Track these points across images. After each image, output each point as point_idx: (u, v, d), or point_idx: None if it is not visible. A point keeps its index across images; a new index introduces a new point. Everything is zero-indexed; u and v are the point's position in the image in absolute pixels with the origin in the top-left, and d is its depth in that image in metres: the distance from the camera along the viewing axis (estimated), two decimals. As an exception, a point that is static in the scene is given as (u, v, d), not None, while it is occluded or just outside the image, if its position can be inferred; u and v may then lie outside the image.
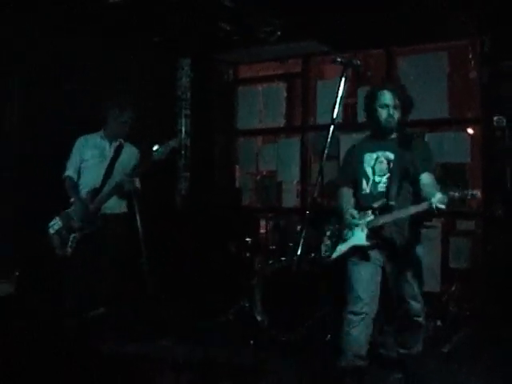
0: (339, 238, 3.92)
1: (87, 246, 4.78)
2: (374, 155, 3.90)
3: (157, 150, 4.70)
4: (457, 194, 3.40)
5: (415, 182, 3.78)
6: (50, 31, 5.46)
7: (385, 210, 3.71)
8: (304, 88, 7.07)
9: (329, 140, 3.05)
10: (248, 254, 5.85)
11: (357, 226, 3.75)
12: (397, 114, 3.84)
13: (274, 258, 5.35)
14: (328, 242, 4.05)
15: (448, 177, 6.05)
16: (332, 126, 3.03)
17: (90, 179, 4.89)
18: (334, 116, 3.04)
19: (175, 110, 7.09)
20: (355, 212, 3.82)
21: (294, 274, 4.24)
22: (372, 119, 3.92)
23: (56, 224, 4.85)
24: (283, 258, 5.16)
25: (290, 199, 7.13)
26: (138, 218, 5.64)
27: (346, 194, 4.03)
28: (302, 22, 5.94)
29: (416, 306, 3.86)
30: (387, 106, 3.81)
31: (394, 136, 3.91)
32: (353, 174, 4.00)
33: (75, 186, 4.92)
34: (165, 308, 5.56)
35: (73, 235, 4.77)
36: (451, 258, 6.01)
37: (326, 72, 7.05)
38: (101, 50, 5.95)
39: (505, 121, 5.60)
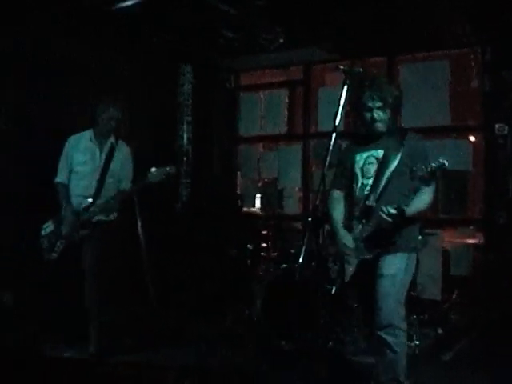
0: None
1: (73, 254, 4.61)
2: (365, 155, 3.55)
3: (152, 172, 4.50)
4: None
5: (410, 189, 3.43)
6: (55, 36, 5.49)
7: (367, 217, 3.30)
8: (305, 95, 7.08)
9: (331, 148, 3.05)
10: (249, 261, 5.85)
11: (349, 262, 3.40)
12: (383, 115, 3.49)
13: (276, 265, 5.35)
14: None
15: (450, 185, 6.06)
16: (334, 134, 3.03)
17: (81, 186, 4.71)
18: (336, 123, 3.04)
19: (177, 117, 7.10)
20: (350, 241, 3.47)
21: (296, 281, 4.17)
22: (360, 120, 3.61)
23: (48, 227, 4.72)
24: (285, 265, 5.15)
25: (292, 206, 7.13)
26: (139, 224, 5.64)
27: (336, 200, 3.68)
28: (304, 29, 5.96)
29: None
30: (370, 108, 3.48)
31: (385, 133, 3.55)
32: (346, 176, 3.64)
33: (66, 192, 4.74)
34: (166, 315, 5.56)
35: (60, 241, 4.64)
36: (452, 265, 6.02)
37: (327, 79, 7.06)
38: (102, 56, 5.98)
39: (507, 128, 5.61)
